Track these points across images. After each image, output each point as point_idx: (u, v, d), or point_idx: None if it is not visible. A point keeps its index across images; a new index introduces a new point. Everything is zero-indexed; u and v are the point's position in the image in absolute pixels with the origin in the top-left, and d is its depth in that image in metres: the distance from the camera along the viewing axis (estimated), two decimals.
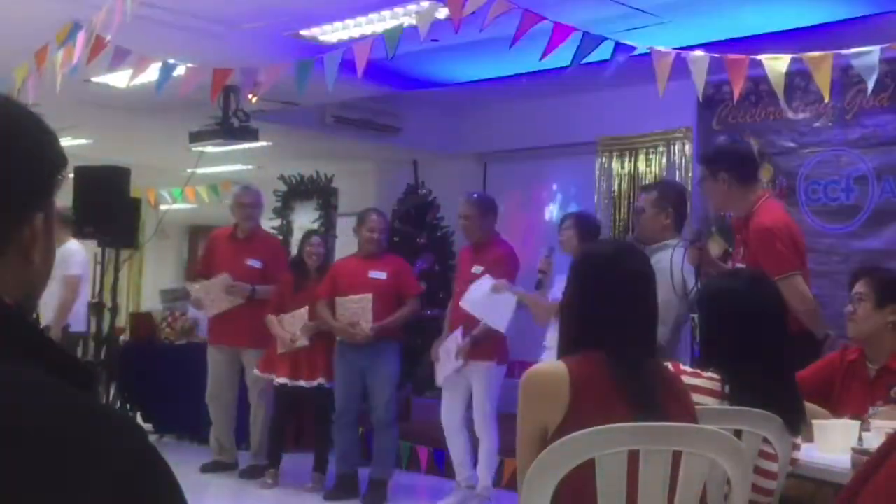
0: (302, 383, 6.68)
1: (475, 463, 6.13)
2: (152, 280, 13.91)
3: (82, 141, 9.30)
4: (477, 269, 6.07)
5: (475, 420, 6.05)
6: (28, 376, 0.98)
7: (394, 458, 6.60)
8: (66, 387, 0.99)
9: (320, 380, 6.62)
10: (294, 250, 7.80)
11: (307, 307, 6.61)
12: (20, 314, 1.05)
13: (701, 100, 6.41)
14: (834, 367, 3.77)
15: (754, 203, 4.34)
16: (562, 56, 4.71)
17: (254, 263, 7.07)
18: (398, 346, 6.43)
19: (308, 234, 7.17)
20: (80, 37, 5.40)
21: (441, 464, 6.95)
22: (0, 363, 0.97)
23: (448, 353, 5.98)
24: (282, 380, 6.70)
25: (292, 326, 6.68)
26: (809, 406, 3.10)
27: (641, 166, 8.22)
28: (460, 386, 6.08)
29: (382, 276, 6.42)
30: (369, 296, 6.29)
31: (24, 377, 0.97)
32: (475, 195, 6.39)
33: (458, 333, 5.99)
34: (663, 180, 5.20)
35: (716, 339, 2.99)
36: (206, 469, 7.11)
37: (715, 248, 7.50)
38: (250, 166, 10.90)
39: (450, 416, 6.15)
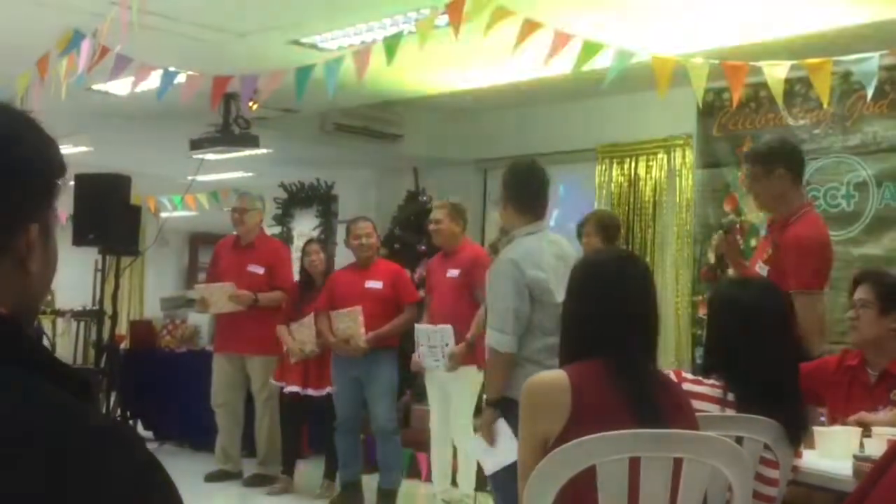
0: (311, 392, 6.70)
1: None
2: (153, 287, 13.91)
3: (83, 148, 9.30)
4: (452, 272, 6.09)
5: (455, 425, 6.05)
6: (27, 387, 0.97)
7: (400, 466, 6.61)
8: (66, 397, 0.99)
9: (329, 389, 6.63)
10: (295, 257, 7.81)
11: (313, 314, 6.63)
12: (17, 324, 1.04)
13: (701, 106, 6.44)
14: (828, 370, 3.75)
15: (799, 209, 4.21)
16: (561, 63, 4.72)
17: (256, 270, 7.08)
18: (394, 354, 6.41)
19: (306, 244, 7.20)
20: (85, 45, 5.41)
21: None
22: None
23: (433, 348, 5.94)
24: (293, 388, 6.72)
25: (301, 334, 6.70)
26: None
27: (641, 173, 8.23)
28: (446, 390, 6.09)
29: (378, 285, 6.41)
30: (358, 308, 6.25)
31: (23, 388, 0.97)
32: (445, 201, 6.39)
33: (444, 330, 5.87)
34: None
35: (722, 347, 2.99)
36: (210, 478, 7.10)
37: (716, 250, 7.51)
38: (251, 174, 10.91)
39: (439, 422, 6.17)
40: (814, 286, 4.06)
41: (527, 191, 4.32)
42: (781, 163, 4.21)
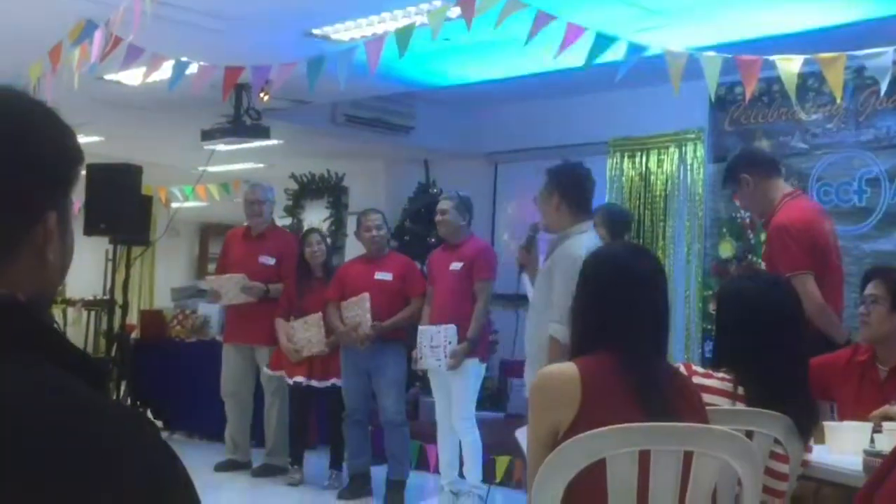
0: (314, 383, 6.70)
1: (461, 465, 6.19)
2: (164, 277, 13.95)
3: (94, 138, 9.33)
4: (455, 265, 6.11)
5: (457, 417, 6.06)
6: (43, 374, 0.98)
7: (408, 457, 6.63)
8: (81, 384, 0.99)
9: (333, 380, 6.64)
10: None
11: (320, 313, 6.61)
12: (34, 312, 1.05)
13: (713, 101, 6.44)
14: (838, 365, 3.74)
15: (781, 200, 4.38)
16: (574, 56, 4.71)
17: (266, 261, 7.10)
18: (402, 347, 6.42)
19: (306, 234, 7.16)
20: (98, 35, 5.42)
21: None
22: (15, 361, 0.97)
23: (435, 348, 5.97)
24: (298, 378, 6.73)
25: (307, 332, 6.68)
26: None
27: (653, 167, 8.21)
28: (448, 383, 6.10)
29: (388, 276, 6.43)
30: (366, 295, 6.28)
31: (39, 375, 0.97)
32: (453, 193, 6.44)
33: (448, 330, 5.94)
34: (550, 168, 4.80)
35: (731, 340, 2.98)
36: (220, 467, 7.13)
37: (727, 248, 7.52)
38: (262, 164, 10.92)
39: (443, 414, 6.19)
40: (798, 267, 4.14)
41: (581, 190, 4.58)
42: (741, 170, 4.46)
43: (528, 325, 4.68)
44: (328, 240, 7.54)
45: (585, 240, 4.36)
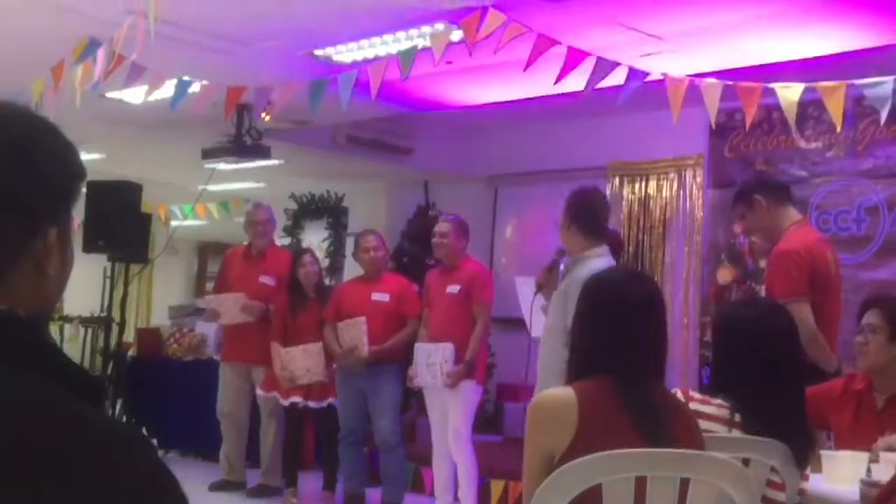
0: (311, 404, 6.67)
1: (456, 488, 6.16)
2: (162, 296, 13.93)
3: (95, 156, 9.34)
4: (453, 288, 6.11)
5: (452, 440, 6.05)
6: (42, 389, 0.98)
7: (403, 480, 6.60)
8: (78, 401, 0.99)
9: (329, 400, 6.62)
10: None
11: (321, 343, 6.56)
12: (33, 327, 1.05)
13: (713, 127, 6.45)
14: (833, 395, 3.73)
15: (787, 228, 4.39)
16: (574, 81, 4.73)
17: (267, 281, 7.09)
18: (398, 369, 6.39)
19: (299, 254, 7.10)
20: (101, 53, 5.44)
21: None
22: (13, 375, 0.97)
23: (432, 366, 5.96)
24: (295, 399, 6.68)
25: (306, 361, 6.64)
26: None
27: (652, 192, 8.22)
28: (445, 404, 6.08)
29: (385, 297, 6.42)
30: (362, 318, 6.27)
31: (37, 390, 0.97)
32: (452, 216, 6.44)
33: (445, 348, 5.95)
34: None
35: (728, 367, 2.98)
36: (214, 487, 7.09)
37: (726, 275, 7.53)
38: (262, 184, 10.93)
39: (439, 436, 6.17)
40: (793, 294, 4.12)
41: (593, 215, 4.63)
42: (755, 191, 4.49)
43: (541, 348, 4.66)
44: (323, 260, 7.51)
45: (601, 263, 4.32)
